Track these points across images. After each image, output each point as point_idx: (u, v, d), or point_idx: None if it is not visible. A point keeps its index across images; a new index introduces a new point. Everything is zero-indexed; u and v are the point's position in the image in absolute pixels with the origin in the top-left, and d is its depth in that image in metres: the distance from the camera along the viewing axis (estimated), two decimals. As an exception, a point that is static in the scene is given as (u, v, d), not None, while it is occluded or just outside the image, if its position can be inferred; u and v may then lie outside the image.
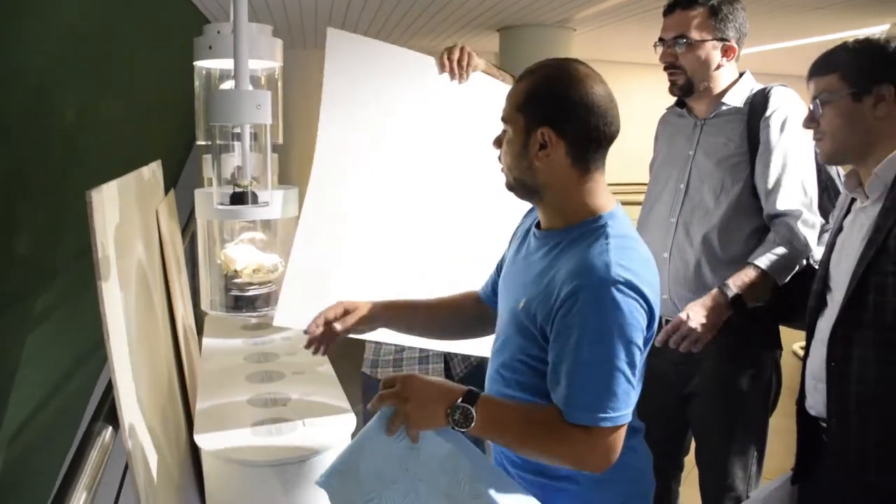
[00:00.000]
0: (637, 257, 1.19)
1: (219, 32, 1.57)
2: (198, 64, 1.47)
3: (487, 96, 1.86)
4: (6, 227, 1.75)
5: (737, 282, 1.72)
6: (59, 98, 2.12)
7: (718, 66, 1.88)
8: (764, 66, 9.30)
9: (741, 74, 1.95)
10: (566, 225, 1.24)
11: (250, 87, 1.24)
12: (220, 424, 1.62)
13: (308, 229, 1.67)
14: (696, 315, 1.71)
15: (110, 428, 1.18)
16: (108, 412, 1.21)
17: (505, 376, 1.31)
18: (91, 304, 1.14)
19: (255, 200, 1.14)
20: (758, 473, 1.94)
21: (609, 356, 1.14)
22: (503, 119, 1.26)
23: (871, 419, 1.35)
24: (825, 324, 1.45)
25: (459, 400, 1.15)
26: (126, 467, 1.25)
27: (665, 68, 1.92)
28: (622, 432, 1.17)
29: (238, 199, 1.12)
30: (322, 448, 1.52)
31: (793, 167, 1.79)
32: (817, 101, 1.46)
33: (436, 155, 1.92)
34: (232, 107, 1.06)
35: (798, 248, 1.76)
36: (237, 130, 1.23)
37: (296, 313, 1.64)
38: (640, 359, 1.18)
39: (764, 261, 1.74)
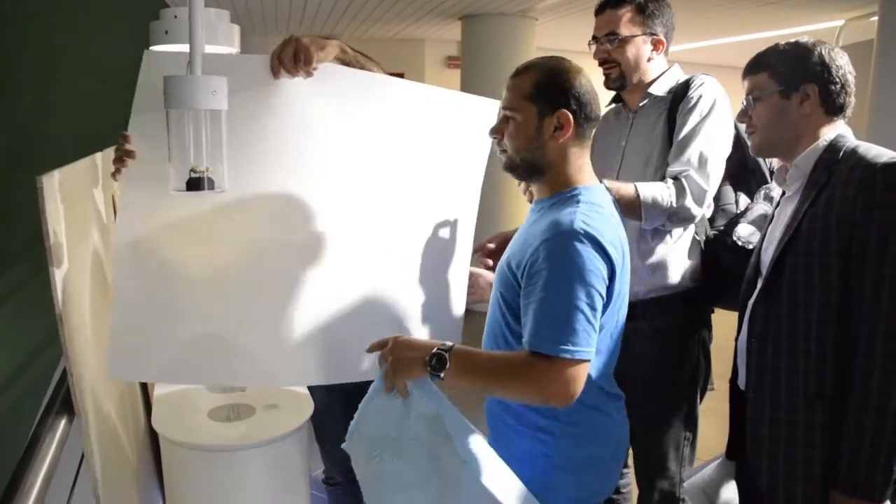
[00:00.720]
0: (601, 219, 1.36)
1: (176, 17, 1.56)
2: (154, 48, 1.46)
3: (344, 90, 1.54)
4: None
5: (614, 185, 1.76)
6: (12, 83, 2.08)
7: (649, 59, 2.01)
8: (719, 58, 9.47)
9: (670, 66, 2.08)
10: (551, 194, 1.45)
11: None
12: (178, 410, 1.62)
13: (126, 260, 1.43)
14: None
15: (66, 416, 1.18)
16: (64, 400, 1.20)
17: (494, 330, 1.50)
18: (46, 293, 1.14)
19: (211, 186, 1.14)
20: (691, 455, 2.01)
21: (570, 296, 1.29)
22: (508, 108, 1.44)
23: (782, 387, 1.46)
24: (751, 304, 1.55)
25: (435, 349, 1.32)
26: (83, 455, 1.25)
27: (600, 64, 2.02)
28: (582, 369, 1.30)
29: (194, 184, 1.12)
30: (279, 433, 1.54)
31: (698, 142, 1.87)
32: (750, 97, 1.55)
33: (293, 160, 1.54)
34: (187, 92, 1.06)
35: (677, 205, 1.82)
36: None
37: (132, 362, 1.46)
38: (599, 303, 1.32)
39: (645, 189, 1.81)
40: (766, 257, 1.55)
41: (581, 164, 1.45)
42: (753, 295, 1.56)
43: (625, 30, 1.97)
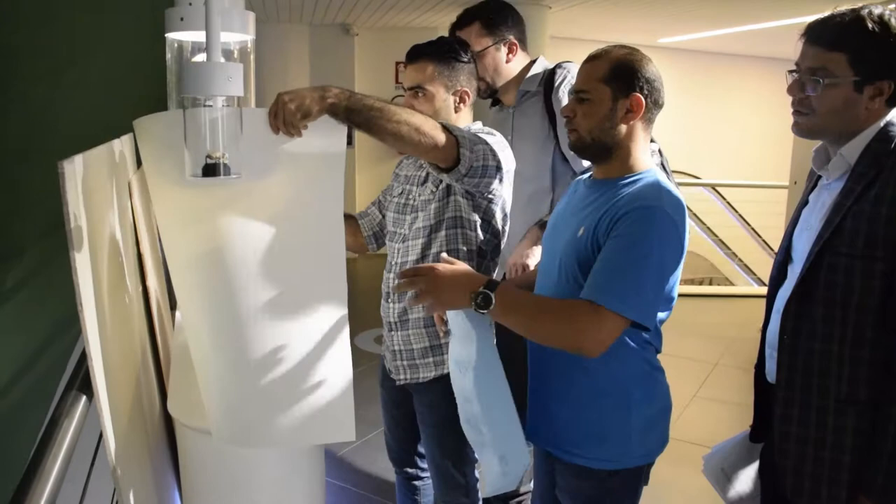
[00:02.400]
0: (677, 201, 1.45)
1: (191, 4, 1.57)
2: (169, 36, 1.46)
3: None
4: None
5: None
6: (26, 70, 2.10)
7: (508, 62, 2.23)
8: (722, 47, 9.39)
9: (534, 61, 2.28)
10: (623, 175, 1.52)
11: (222, 60, 1.24)
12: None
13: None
14: (524, 252, 2.13)
15: (84, 397, 1.20)
16: (83, 381, 1.22)
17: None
18: (63, 277, 1.15)
19: (227, 172, 1.15)
20: None
21: (645, 262, 1.38)
22: (582, 90, 1.53)
23: (813, 389, 1.42)
24: (783, 295, 1.51)
25: (481, 287, 1.40)
26: (101, 436, 1.27)
27: None
28: (620, 325, 1.38)
29: (210, 170, 1.13)
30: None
31: None
32: (815, 77, 1.38)
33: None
34: (203, 79, 1.07)
35: None
36: (210, 103, 1.23)
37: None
38: (669, 276, 1.41)
39: None
40: (799, 244, 1.49)
41: (646, 147, 1.55)
42: (784, 286, 1.52)
43: (477, 45, 2.16)
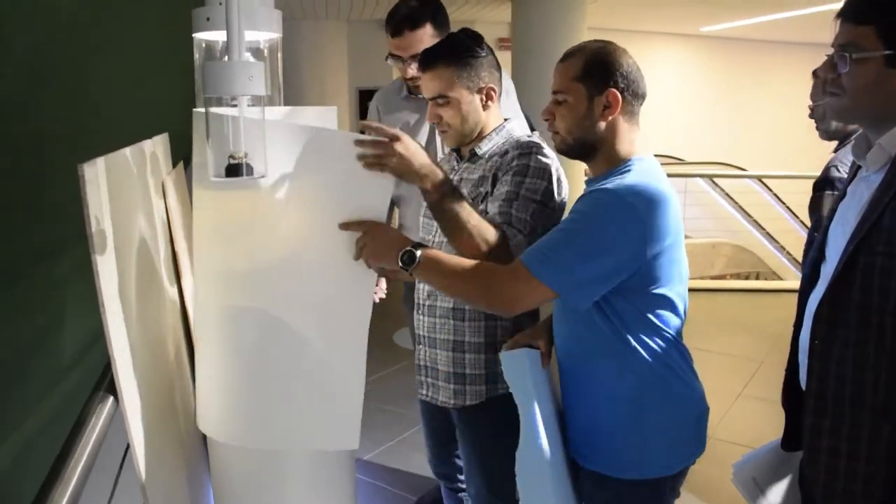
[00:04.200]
0: (646, 187, 1.40)
1: (221, 4, 1.56)
2: (196, 36, 1.45)
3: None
4: (7, 205, 1.76)
5: None
6: (61, 71, 2.11)
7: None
8: (768, 34, 9.14)
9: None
10: (609, 169, 1.49)
11: (249, 58, 1.23)
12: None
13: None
14: None
15: (112, 398, 1.19)
16: (111, 383, 1.22)
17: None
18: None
19: (250, 172, 1.13)
20: None
21: (574, 233, 1.38)
22: (559, 90, 1.51)
23: (846, 400, 1.32)
24: (815, 297, 1.39)
25: (408, 246, 1.42)
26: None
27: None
28: (538, 292, 1.39)
29: (233, 171, 1.11)
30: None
31: None
32: (845, 53, 1.28)
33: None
34: (223, 78, 1.06)
35: None
36: (235, 103, 1.22)
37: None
38: (608, 256, 1.37)
39: None
40: (834, 241, 1.37)
41: (632, 138, 1.52)
42: (818, 287, 1.41)
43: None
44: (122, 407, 1.21)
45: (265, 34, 1.50)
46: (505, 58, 7.35)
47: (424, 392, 1.93)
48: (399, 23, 2.25)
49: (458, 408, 1.84)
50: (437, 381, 1.87)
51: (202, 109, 1.21)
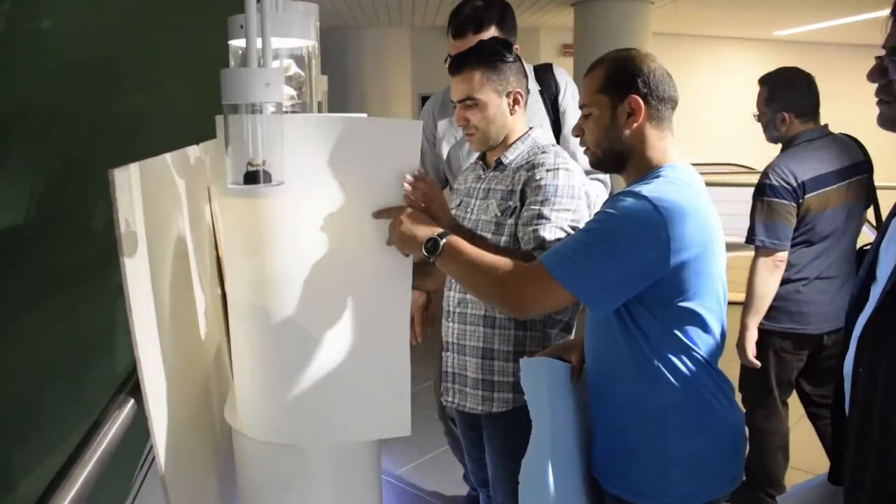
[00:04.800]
0: (675, 191, 1.36)
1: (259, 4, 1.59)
2: (232, 43, 1.46)
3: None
4: (63, 207, 1.82)
5: None
6: (121, 78, 2.18)
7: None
8: (842, 37, 8.76)
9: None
10: (639, 178, 1.45)
11: (278, 63, 1.23)
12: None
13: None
14: None
15: (133, 401, 1.21)
16: (135, 386, 1.24)
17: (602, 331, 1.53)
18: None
19: (268, 180, 1.13)
20: None
21: (595, 235, 1.35)
22: (584, 105, 1.50)
23: (893, 433, 1.18)
24: (862, 321, 1.27)
25: (434, 234, 1.41)
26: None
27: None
28: (557, 295, 1.36)
29: (251, 178, 1.12)
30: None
31: None
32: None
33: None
34: (239, 85, 1.06)
35: None
36: (259, 110, 1.20)
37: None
38: (628, 262, 1.32)
39: None
40: (885, 260, 1.25)
41: (663, 145, 1.48)
42: (865, 308, 1.28)
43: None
44: (147, 409, 1.22)
45: (298, 41, 1.51)
46: (569, 64, 7.27)
47: (450, 399, 1.92)
48: (462, 24, 2.20)
49: (486, 414, 1.83)
50: (465, 388, 1.86)
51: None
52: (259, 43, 1.10)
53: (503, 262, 1.41)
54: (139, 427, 1.18)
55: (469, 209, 1.86)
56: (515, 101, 1.79)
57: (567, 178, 1.69)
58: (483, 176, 1.85)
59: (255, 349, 1.41)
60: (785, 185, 2.51)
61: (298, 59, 1.62)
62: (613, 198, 1.42)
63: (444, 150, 2.41)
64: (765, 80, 2.71)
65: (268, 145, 1.13)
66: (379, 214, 1.38)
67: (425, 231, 1.40)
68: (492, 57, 1.76)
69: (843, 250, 2.63)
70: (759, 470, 2.85)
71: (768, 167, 2.65)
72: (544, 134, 1.99)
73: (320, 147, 1.31)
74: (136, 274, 1.20)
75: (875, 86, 1.26)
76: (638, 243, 1.32)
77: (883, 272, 1.25)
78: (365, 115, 1.53)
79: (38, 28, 1.92)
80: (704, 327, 1.41)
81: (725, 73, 9.29)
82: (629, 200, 1.35)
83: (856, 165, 2.64)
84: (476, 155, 2.30)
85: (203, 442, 1.53)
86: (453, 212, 1.89)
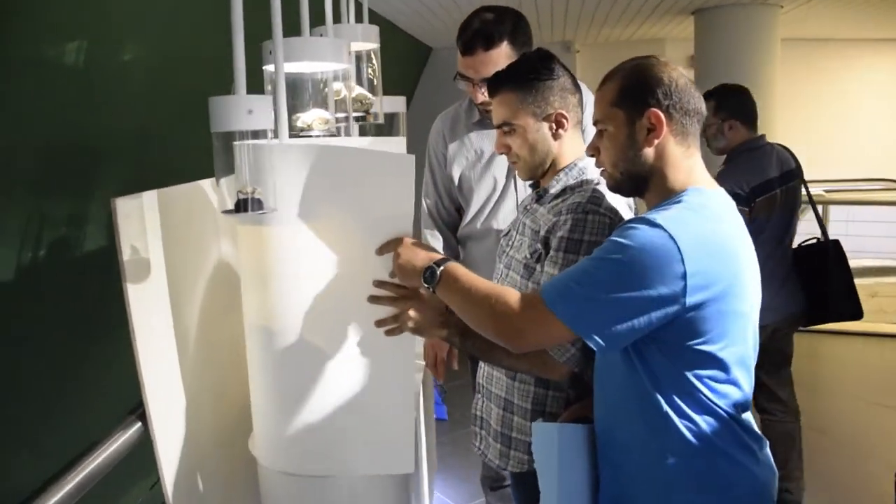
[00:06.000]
0: (694, 218, 1.21)
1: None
2: (266, 69, 1.48)
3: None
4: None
5: None
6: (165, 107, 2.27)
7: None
8: None
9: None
10: (660, 204, 1.29)
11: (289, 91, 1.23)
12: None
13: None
14: None
15: (139, 424, 1.24)
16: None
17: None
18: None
19: (257, 207, 1.12)
20: None
21: (601, 265, 1.19)
22: (598, 121, 1.35)
23: None
24: None
25: (431, 262, 1.33)
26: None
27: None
28: (553, 329, 1.22)
29: (240, 205, 1.11)
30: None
31: None
32: None
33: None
34: (221, 113, 1.06)
35: None
36: (264, 138, 1.19)
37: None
38: (641, 302, 1.16)
39: None
40: None
41: (690, 164, 1.31)
42: None
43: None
44: (152, 431, 1.25)
45: (328, 64, 1.50)
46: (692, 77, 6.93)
47: (477, 444, 1.75)
48: (471, 40, 1.99)
49: (504, 468, 1.69)
50: (489, 437, 1.69)
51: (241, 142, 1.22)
52: (242, 69, 1.09)
53: (500, 290, 1.29)
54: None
55: (510, 243, 1.67)
56: (558, 125, 1.56)
57: (592, 228, 1.47)
58: (529, 207, 1.65)
59: (261, 377, 1.41)
60: (739, 191, 2.66)
61: (312, 83, 1.60)
62: (624, 225, 1.26)
63: (456, 173, 2.23)
64: (710, 95, 2.83)
65: (257, 172, 1.13)
66: (381, 250, 1.35)
67: (424, 260, 1.33)
68: (527, 75, 1.55)
69: (784, 249, 2.84)
70: None
71: (718, 177, 2.47)
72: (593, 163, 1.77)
73: (318, 176, 1.29)
74: (137, 301, 1.23)
75: None
76: (649, 277, 1.15)
77: None
78: (367, 142, 1.49)
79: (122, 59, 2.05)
80: (727, 374, 1.23)
81: (862, 79, 8.47)
82: (641, 227, 1.18)
83: (790, 172, 2.85)
84: (488, 178, 2.16)
85: (226, 470, 1.54)
86: (501, 243, 1.75)
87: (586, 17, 6.21)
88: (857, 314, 2.85)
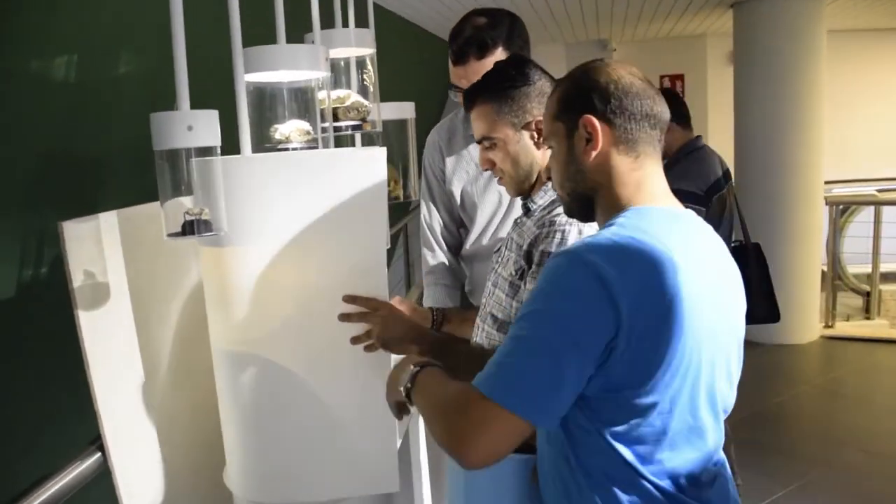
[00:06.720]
0: (625, 242, 1.01)
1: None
2: (248, 78, 1.41)
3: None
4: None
5: None
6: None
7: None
8: None
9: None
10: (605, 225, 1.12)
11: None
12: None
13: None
14: None
15: (99, 454, 1.19)
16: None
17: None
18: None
19: (206, 229, 1.05)
20: None
21: (524, 320, 1.00)
22: (544, 139, 1.22)
23: None
24: None
25: (413, 366, 1.16)
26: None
27: None
28: (490, 416, 0.95)
29: (188, 228, 1.04)
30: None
31: None
32: None
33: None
34: (162, 130, 0.99)
35: None
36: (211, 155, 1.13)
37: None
38: (575, 351, 0.96)
39: None
40: None
41: (638, 178, 1.11)
42: None
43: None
44: (109, 461, 1.20)
45: (309, 73, 1.43)
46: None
47: None
48: (463, 48, 1.86)
49: None
50: None
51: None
52: (185, 82, 1.03)
53: (456, 398, 1.02)
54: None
55: (499, 260, 1.53)
56: (539, 133, 1.43)
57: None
58: (519, 221, 1.52)
59: (230, 403, 1.35)
60: (697, 192, 2.67)
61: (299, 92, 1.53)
62: (545, 264, 1.13)
63: (457, 189, 2.07)
64: None
65: (205, 192, 1.06)
66: (350, 300, 1.32)
67: (404, 366, 1.18)
68: (500, 84, 1.45)
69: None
70: None
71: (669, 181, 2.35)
72: None
73: (278, 187, 1.23)
74: (97, 327, 1.18)
75: None
76: (577, 315, 0.97)
77: None
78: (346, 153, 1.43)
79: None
80: (666, 433, 1.02)
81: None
82: (558, 261, 1.02)
83: (727, 171, 2.88)
84: (492, 192, 2.03)
85: (201, 499, 1.48)
86: (492, 259, 1.60)
87: (619, 13, 6.06)
88: (774, 317, 2.87)
